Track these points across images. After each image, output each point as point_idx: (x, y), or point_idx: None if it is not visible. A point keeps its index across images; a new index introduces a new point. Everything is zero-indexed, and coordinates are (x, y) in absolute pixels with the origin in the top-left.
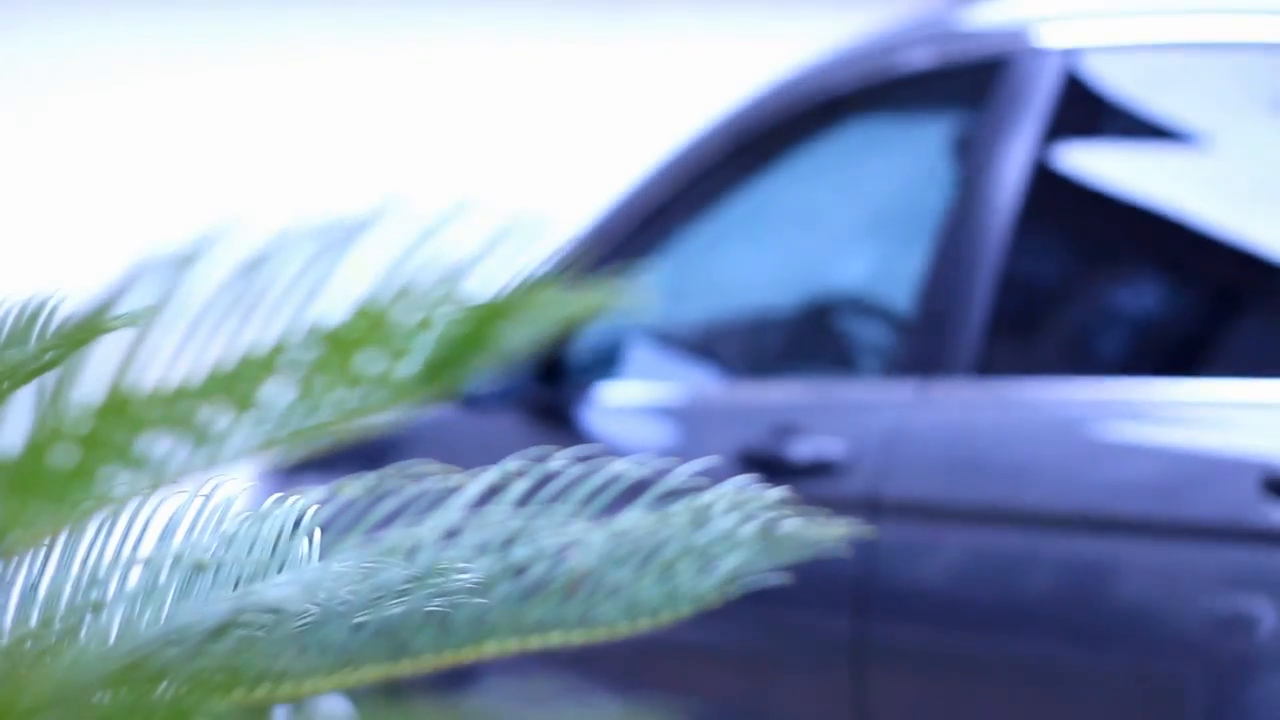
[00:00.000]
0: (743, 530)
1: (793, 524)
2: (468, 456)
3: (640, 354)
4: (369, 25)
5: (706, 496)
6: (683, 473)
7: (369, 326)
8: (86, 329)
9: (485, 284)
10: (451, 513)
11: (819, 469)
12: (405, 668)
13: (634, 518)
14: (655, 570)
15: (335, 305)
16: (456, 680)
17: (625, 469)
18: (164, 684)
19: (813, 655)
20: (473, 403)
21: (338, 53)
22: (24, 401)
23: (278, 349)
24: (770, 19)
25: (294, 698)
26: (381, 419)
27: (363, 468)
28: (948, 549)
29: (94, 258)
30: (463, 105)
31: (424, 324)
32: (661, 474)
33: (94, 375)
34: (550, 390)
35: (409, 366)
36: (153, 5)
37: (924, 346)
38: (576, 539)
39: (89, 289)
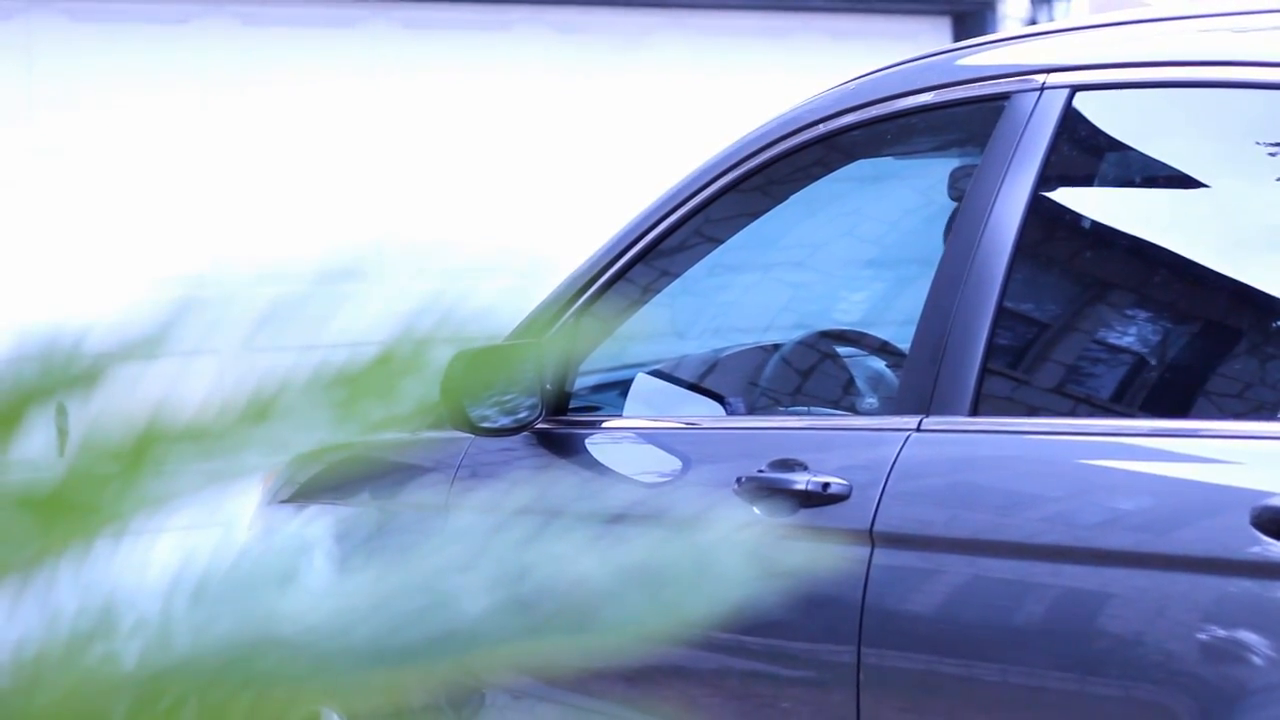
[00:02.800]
0: (741, 555)
1: (790, 550)
2: (478, 485)
3: (646, 387)
4: (381, 55)
5: (706, 522)
6: (682, 499)
7: (374, 363)
8: (111, 357)
9: (488, 321)
10: (458, 537)
11: (818, 500)
12: (408, 689)
13: (633, 541)
14: (653, 593)
15: (339, 339)
16: (461, 703)
17: (627, 494)
18: (170, 703)
19: (815, 680)
20: (484, 433)
21: (352, 81)
22: (40, 427)
23: (289, 381)
24: (780, 53)
25: (294, 718)
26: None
27: (375, 494)
28: (945, 579)
29: (104, 279)
30: (477, 135)
31: (425, 361)
32: (661, 499)
33: (113, 401)
34: (558, 421)
35: (408, 400)
36: (162, 28)
37: (923, 383)
38: (577, 562)
39: (108, 314)
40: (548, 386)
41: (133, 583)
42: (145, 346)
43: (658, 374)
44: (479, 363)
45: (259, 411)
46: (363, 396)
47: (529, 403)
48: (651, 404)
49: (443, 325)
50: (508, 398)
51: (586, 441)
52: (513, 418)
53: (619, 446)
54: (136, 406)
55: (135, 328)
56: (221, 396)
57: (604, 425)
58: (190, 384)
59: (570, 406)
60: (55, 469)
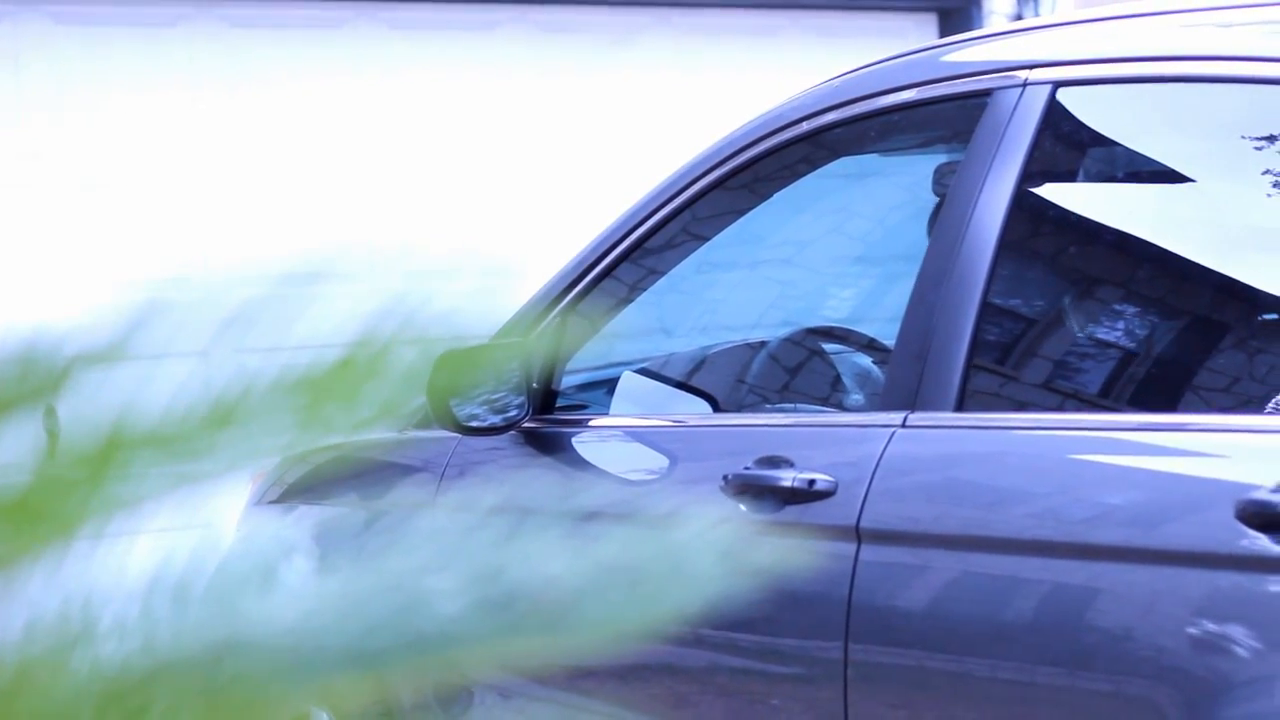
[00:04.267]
0: (716, 552)
1: (770, 547)
2: (466, 484)
3: (632, 385)
4: (368, 57)
5: (680, 519)
6: (668, 496)
7: (337, 366)
8: (82, 360)
9: (453, 323)
10: (434, 538)
11: (804, 496)
12: (388, 689)
13: (609, 539)
14: (629, 590)
15: (306, 341)
16: (450, 702)
17: (609, 493)
18: (152, 708)
19: (803, 677)
20: (471, 432)
21: (340, 83)
22: (15, 429)
23: (253, 385)
24: (767, 50)
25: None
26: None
27: (363, 495)
28: (932, 575)
29: (93, 282)
30: (464, 135)
31: (389, 364)
32: (646, 497)
33: (82, 404)
34: (545, 420)
35: (371, 404)
36: (150, 31)
37: (908, 379)
38: (553, 560)
39: (80, 316)
40: (535, 385)
41: (112, 586)
42: (110, 350)
43: (644, 372)
44: (465, 362)
45: (223, 416)
46: (326, 400)
47: (516, 401)
48: (638, 402)
49: (406, 328)
50: (495, 397)
51: (573, 440)
52: (500, 417)
53: (604, 445)
54: (102, 411)
55: (99, 332)
56: (186, 401)
57: (590, 424)
58: (156, 388)
59: (558, 405)
60: (22, 474)
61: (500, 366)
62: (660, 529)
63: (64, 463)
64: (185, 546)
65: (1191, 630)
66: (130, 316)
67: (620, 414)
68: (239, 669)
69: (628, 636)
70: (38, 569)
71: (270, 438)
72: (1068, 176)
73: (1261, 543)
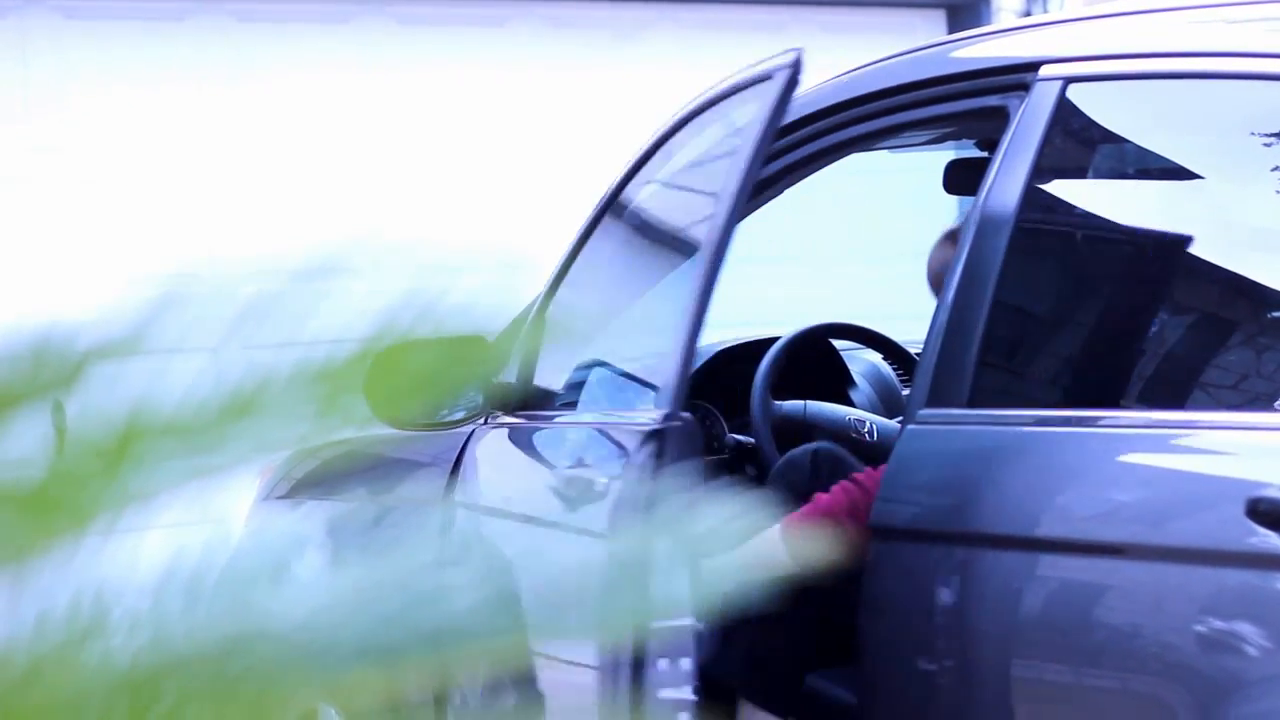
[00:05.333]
0: (725, 547)
1: (774, 544)
2: (474, 480)
3: (607, 385)
4: (375, 51)
5: (700, 515)
6: (666, 492)
7: (355, 358)
8: (94, 353)
9: (468, 317)
10: (449, 532)
11: None
12: (399, 683)
13: (620, 533)
14: (639, 586)
15: (322, 334)
16: (449, 699)
17: (617, 488)
18: (162, 701)
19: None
20: (412, 427)
21: (347, 77)
22: (30, 422)
23: (271, 377)
24: (773, 47)
25: (291, 714)
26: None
27: (371, 490)
28: (946, 572)
29: (101, 275)
30: (471, 130)
31: (399, 358)
32: (646, 493)
33: (96, 397)
34: (522, 417)
35: (378, 398)
36: (158, 25)
37: (924, 373)
38: (564, 556)
39: (93, 311)
40: (502, 381)
41: (125, 580)
42: (128, 343)
43: (620, 371)
44: (411, 357)
45: (241, 407)
46: (344, 392)
47: (470, 399)
48: (619, 401)
49: (423, 321)
50: (450, 393)
51: (547, 437)
52: (452, 413)
53: (580, 441)
54: (119, 403)
55: (117, 324)
56: (204, 392)
57: (556, 420)
58: (173, 380)
59: (539, 403)
60: (39, 466)
61: (455, 362)
62: (674, 525)
63: (77, 456)
64: (197, 541)
65: (1201, 628)
66: (144, 311)
67: (585, 410)
68: (249, 663)
69: (638, 630)
70: (50, 562)
71: (287, 428)
72: (1078, 173)
73: (1272, 540)
